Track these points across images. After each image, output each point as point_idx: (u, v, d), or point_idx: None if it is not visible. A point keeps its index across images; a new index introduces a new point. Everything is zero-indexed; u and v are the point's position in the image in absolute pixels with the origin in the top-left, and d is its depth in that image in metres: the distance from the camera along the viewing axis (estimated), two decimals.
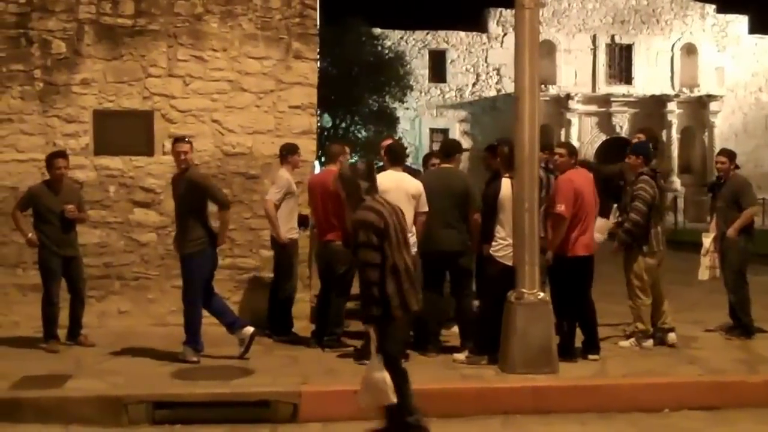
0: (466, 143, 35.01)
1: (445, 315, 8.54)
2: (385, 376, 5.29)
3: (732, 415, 6.63)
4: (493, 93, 41.43)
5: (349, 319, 8.75)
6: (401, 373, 5.61)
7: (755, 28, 43.02)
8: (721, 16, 42.89)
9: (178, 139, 8.05)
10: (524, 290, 7.29)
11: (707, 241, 9.05)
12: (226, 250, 9.13)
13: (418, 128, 40.74)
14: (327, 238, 8.34)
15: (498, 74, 41.34)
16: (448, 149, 8.59)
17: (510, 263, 7.48)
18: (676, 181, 38.10)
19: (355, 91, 33.41)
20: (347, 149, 9.17)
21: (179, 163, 7.92)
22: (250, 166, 9.65)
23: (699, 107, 41.72)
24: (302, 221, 9.03)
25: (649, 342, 8.32)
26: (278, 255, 8.84)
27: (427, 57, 41.39)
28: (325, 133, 32.75)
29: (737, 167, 9.26)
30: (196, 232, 7.80)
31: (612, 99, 41.24)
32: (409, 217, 7.53)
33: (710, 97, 41.46)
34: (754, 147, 40.74)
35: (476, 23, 42.21)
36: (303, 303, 9.50)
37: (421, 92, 40.67)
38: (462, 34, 41.72)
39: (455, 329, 8.46)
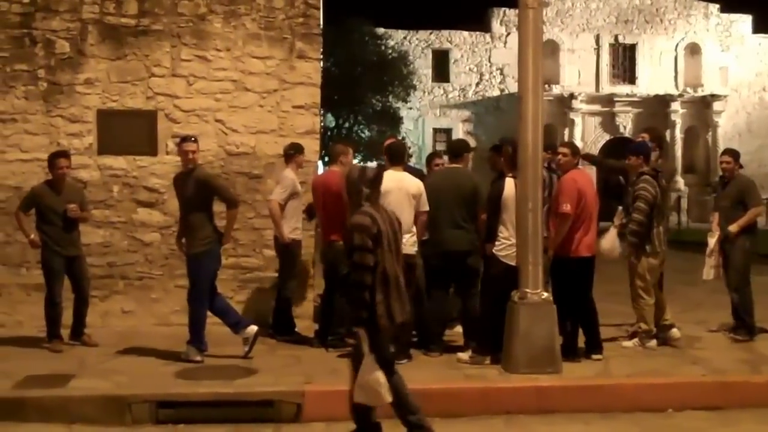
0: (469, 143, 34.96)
1: (449, 315, 8.54)
2: (379, 375, 5.27)
3: (735, 416, 6.63)
4: (496, 93, 41.41)
5: None
6: (395, 376, 5.61)
7: (759, 28, 42.96)
8: (725, 15, 42.83)
9: (185, 139, 8.04)
10: (527, 290, 7.29)
11: (712, 241, 9.04)
12: (230, 250, 9.14)
13: (422, 128, 40.74)
14: (331, 239, 8.34)
15: (501, 74, 41.31)
16: (457, 149, 8.57)
17: (513, 263, 7.47)
18: (680, 181, 38.05)
19: (359, 91, 33.37)
20: (350, 149, 9.16)
21: (186, 162, 7.92)
22: (253, 166, 9.66)
23: (703, 107, 41.66)
24: (310, 213, 9.05)
25: (653, 342, 8.31)
26: (281, 255, 8.85)
27: (430, 57, 41.37)
28: (329, 133, 32.74)
29: (741, 167, 9.26)
30: (204, 232, 7.82)
31: (615, 99, 41.19)
32: (410, 216, 7.55)
33: (714, 97, 41.39)
34: (758, 147, 40.67)
35: (479, 23, 42.18)
36: (307, 303, 9.52)
37: (424, 92, 40.65)
38: (465, 33, 41.70)
39: (458, 329, 8.47)
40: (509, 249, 7.54)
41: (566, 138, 37.59)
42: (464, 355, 7.68)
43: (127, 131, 9.44)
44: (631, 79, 42.16)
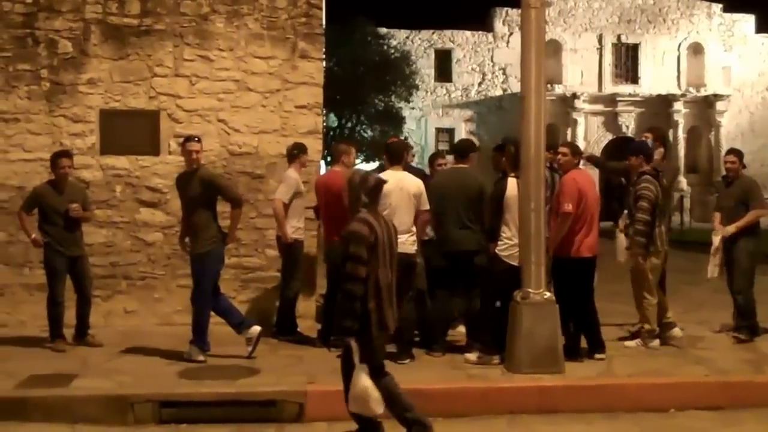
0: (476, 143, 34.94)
1: (451, 315, 8.53)
2: (368, 386, 5.29)
3: (738, 416, 6.62)
4: (499, 92, 41.40)
5: None
6: (386, 378, 5.64)
7: (762, 28, 42.91)
8: (727, 15, 42.79)
9: (189, 138, 8.04)
10: (530, 290, 7.28)
11: (716, 239, 9.01)
12: (232, 250, 9.14)
13: (424, 128, 40.72)
14: (333, 238, 8.33)
15: (504, 74, 41.30)
16: (463, 149, 8.55)
17: (516, 263, 7.47)
18: (683, 181, 38.00)
19: (361, 91, 33.38)
20: (353, 149, 9.16)
21: (190, 162, 7.92)
22: (255, 166, 9.66)
23: (705, 107, 41.63)
24: (318, 213, 9.09)
25: (656, 342, 8.30)
26: (284, 255, 8.85)
27: (432, 56, 41.35)
28: (331, 133, 32.75)
29: (744, 167, 9.25)
30: (209, 231, 7.83)
31: (618, 98, 41.17)
32: (410, 217, 7.55)
33: (717, 97, 41.35)
34: (761, 146, 40.61)
35: (482, 23, 42.19)
36: (309, 302, 9.52)
37: (426, 92, 40.64)
38: (468, 33, 41.69)
39: (460, 329, 8.46)
40: (512, 249, 7.54)
41: (569, 138, 37.57)
42: (472, 356, 7.65)
43: (129, 131, 9.45)
44: (634, 78, 42.14)
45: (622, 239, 8.57)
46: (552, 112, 36.05)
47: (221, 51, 9.61)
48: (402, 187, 7.55)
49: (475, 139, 38.53)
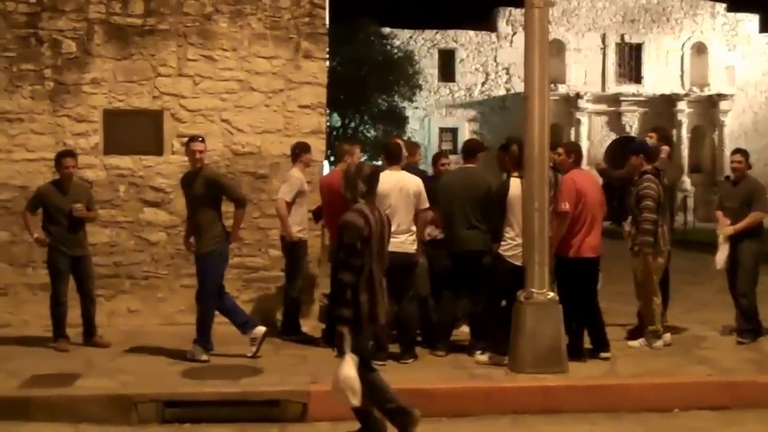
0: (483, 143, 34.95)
1: (455, 316, 8.52)
2: (351, 377, 5.27)
3: (741, 416, 6.61)
4: (502, 92, 41.41)
5: None
6: (372, 371, 5.66)
7: (766, 27, 42.91)
8: (731, 15, 42.77)
9: (193, 138, 8.05)
10: (533, 290, 7.27)
11: (728, 230, 8.90)
12: (235, 250, 9.13)
13: (427, 128, 40.74)
14: None
15: (507, 73, 41.31)
16: (471, 149, 8.53)
17: (519, 263, 7.46)
18: (686, 181, 37.97)
19: (365, 91, 33.41)
20: (356, 149, 9.15)
21: (194, 162, 7.93)
22: (259, 166, 9.66)
23: (709, 106, 41.61)
24: (317, 215, 9.08)
25: (659, 342, 8.29)
26: (287, 255, 8.85)
27: (436, 56, 41.39)
28: (335, 133, 32.77)
29: (750, 167, 9.23)
30: (214, 231, 7.83)
31: (622, 98, 41.17)
32: (410, 216, 7.54)
33: (720, 96, 41.34)
34: (765, 146, 40.56)
35: (485, 22, 42.18)
36: (313, 303, 9.51)
37: (430, 91, 40.67)
38: (471, 33, 41.70)
39: (464, 328, 8.45)
40: (515, 249, 7.53)
41: (573, 138, 37.58)
42: (483, 357, 7.60)
43: (133, 131, 9.45)
44: (638, 78, 42.13)
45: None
46: (555, 112, 36.00)
47: (224, 51, 9.61)
48: (401, 187, 7.55)
49: (478, 139, 38.64)
